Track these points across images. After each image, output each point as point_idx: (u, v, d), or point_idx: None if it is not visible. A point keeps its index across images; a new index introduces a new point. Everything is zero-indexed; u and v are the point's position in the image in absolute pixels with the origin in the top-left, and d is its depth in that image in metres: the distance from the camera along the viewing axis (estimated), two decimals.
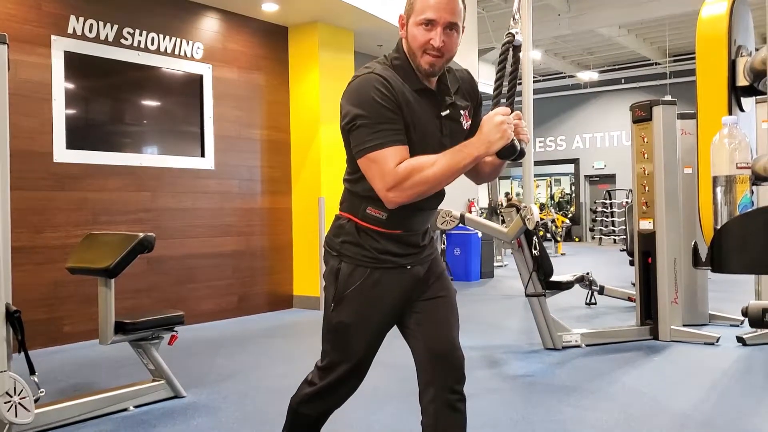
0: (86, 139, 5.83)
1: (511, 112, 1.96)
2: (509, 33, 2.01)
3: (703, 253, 1.53)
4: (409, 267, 2.12)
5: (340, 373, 2.16)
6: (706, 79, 1.66)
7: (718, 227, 1.46)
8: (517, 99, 2.22)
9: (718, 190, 1.50)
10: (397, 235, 2.08)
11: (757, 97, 1.77)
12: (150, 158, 6.27)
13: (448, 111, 2.08)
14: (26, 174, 5.32)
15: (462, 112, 2.12)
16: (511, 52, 2.02)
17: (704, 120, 1.64)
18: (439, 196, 2.14)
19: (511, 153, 1.94)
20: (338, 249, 2.11)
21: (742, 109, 1.67)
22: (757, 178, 1.51)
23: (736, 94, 1.64)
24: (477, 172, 2.19)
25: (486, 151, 1.91)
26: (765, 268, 1.35)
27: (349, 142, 2.01)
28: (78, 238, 4.62)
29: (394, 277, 2.10)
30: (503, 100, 2.01)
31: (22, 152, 5.31)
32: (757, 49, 1.68)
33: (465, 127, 2.13)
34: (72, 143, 5.64)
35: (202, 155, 6.69)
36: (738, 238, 1.38)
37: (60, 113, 5.56)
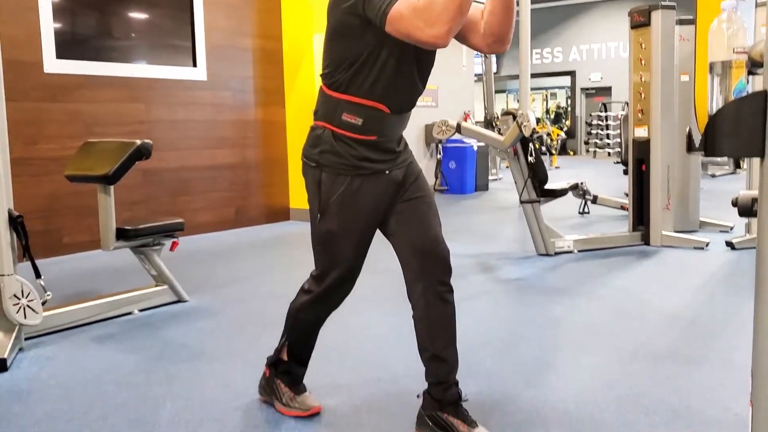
0: (76, 49, 5.73)
1: None
2: None
3: (697, 140, 1.56)
4: (387, 172, 2.16)
5: (333, 280, 2.24)
6: None
7: (713, 113, 1.48)
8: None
9: (715, 76, 1.51)
10: (372, 142, 2.10)
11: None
12: (142, 68, 6.19)
13: None
14: (16, 85, 5.25)
15: None
16: None
17: (704, 6, 1.63)
18: (414, 95, 2.15)
19: None
20: (316, 159, 2.14)
21: None
22: (753, 65, 1.53)
23: None
24: (491, 12, 2.03)
25: None
26: (756, 152, 1.38)
27: (346, 26, 1.99)
28: (73, 150, 4.61)
29: (374, 183, 2.14)
30: None
31: (10, 62, 5.21)
32: None
33: None
34: (61, 53, 5.55)
35: (194, 65, 6.60)
36: (732, 122, 1.41)
37: (48, 22, 5.44)
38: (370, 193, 2.13)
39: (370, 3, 1.90)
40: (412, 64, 2.07)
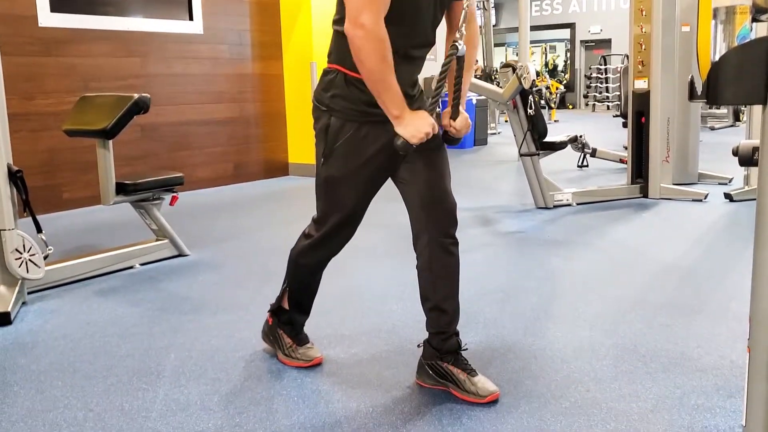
0: (70, 2, 5.64)
1: (455, 114, 2.13)
2: (453, 45, 2.05)
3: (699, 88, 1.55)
4: None
5: (332, 225, 2.24)
6: None
7: (716, 60, 1.47)
8: None
9: (718, 22, 1.50)
10: None
11: None
12: (137, 22, 6.10)
13: None
14: (11, 39, 5.19)
15: None
16: (455, 61, 2.06)
17: None
18: (428, 44, 2.14)
19: (403, 147, 2.02)
20: (327, 103, 2.13)
21: None
22: (758, 11, 1.50)
23: None
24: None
25: (394, 122, 2.00)
26: (759, 99, 1.38)
27: None
28: (70, 105, 4.58)
29: (383, 130, 2.11)
30: (436, 105, 2.06)
31: (5, 16, 5.17)
32: None
33: None
34: (56, 6, 5.47)
35: (191, 19, 6.51)
36: (735, 68, 1.40)
37: None
38: (377, 140, 2.12)
39: None
40: (428, 11, 2.05)
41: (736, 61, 1.38)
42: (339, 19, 2.07)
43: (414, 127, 1.97)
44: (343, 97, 2.09)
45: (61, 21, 5.52)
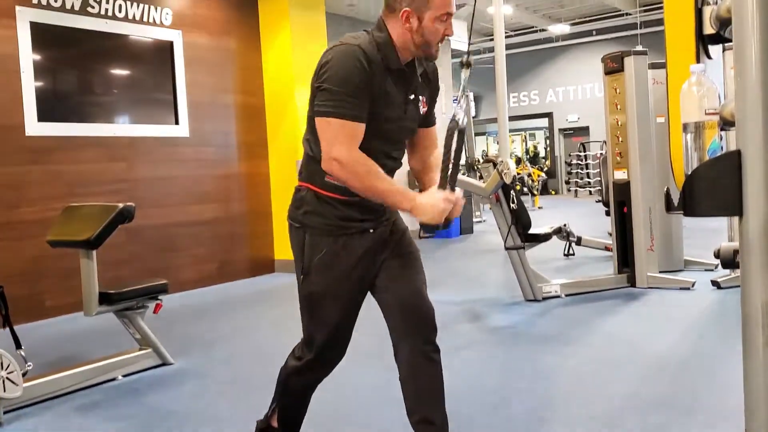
0: (57, 110, 5.74)
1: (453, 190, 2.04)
2: (453, 119, 2.04)
3: (676, 198, 1.57)
4: (372, 231, 2.16)
5: (321, 344, 2.21)
6: (674, 28, 1.69)
7: (689, 173, 1.49)
8: (489, 55, 2.25)
9: (688, 136, 1.54)
10: (356, 201, 2.11)
11: (725, 44, 1.80)
12: (124, 128, 6.20)
13: (413, 96, 2.15)
14: None
15: (422, 98, 2.20)
16: (456, 136, 2.03)
17: (673, 68, 1.67)
18: (396, 165, 2.20)
19: (430, 230, 2.07)
20: (301, 220, 2.15)
21: (709, 57, 1.70)
22: (725, 124, 1.55)
23: (704, 42, 1.67)
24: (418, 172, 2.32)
25: (413, 213, 2.00)
26: (733, 210, 1.39)
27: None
28: (55, 212, 4.57)
29: (359, 242, 2.13)
30: (449, 183, 2.03)
31: None
32: None
33: (422, 113, 2.22)
34: (43, 115, 5.56)
35: (176, 123, 6.62)
36: (708, 181, 1.42)
37: (29, 85, 5.45)
38: (354, 252, 2.13)
39: (322, 93, 1.99)
40: (390, 137, 2.11)
41: (709, 175, 1.41)
42: (308, 140, 2.13)
43: (432, 209, 1.98)
44: (316, 213, 2.11)
45: (48, 129, 5.59)
